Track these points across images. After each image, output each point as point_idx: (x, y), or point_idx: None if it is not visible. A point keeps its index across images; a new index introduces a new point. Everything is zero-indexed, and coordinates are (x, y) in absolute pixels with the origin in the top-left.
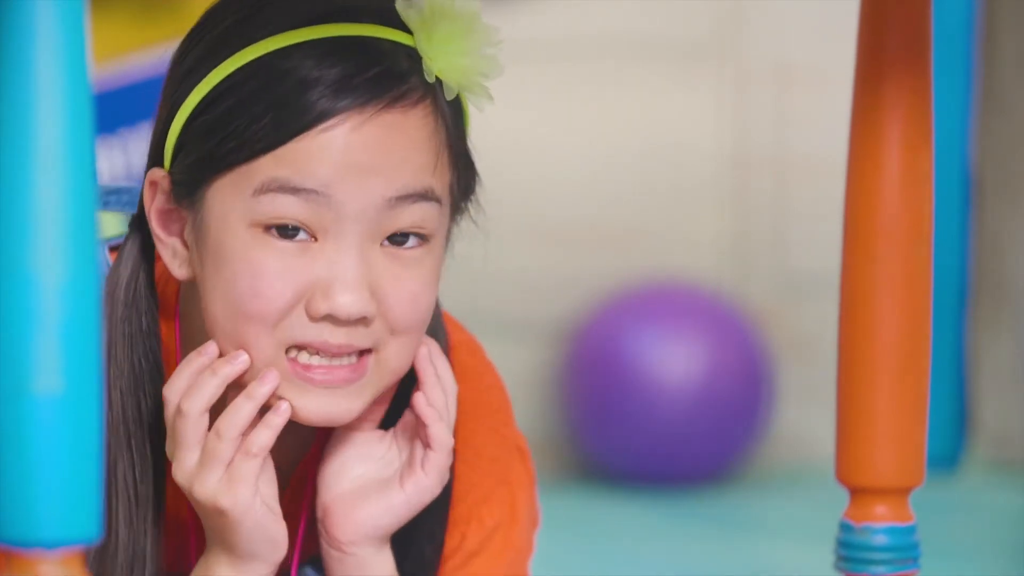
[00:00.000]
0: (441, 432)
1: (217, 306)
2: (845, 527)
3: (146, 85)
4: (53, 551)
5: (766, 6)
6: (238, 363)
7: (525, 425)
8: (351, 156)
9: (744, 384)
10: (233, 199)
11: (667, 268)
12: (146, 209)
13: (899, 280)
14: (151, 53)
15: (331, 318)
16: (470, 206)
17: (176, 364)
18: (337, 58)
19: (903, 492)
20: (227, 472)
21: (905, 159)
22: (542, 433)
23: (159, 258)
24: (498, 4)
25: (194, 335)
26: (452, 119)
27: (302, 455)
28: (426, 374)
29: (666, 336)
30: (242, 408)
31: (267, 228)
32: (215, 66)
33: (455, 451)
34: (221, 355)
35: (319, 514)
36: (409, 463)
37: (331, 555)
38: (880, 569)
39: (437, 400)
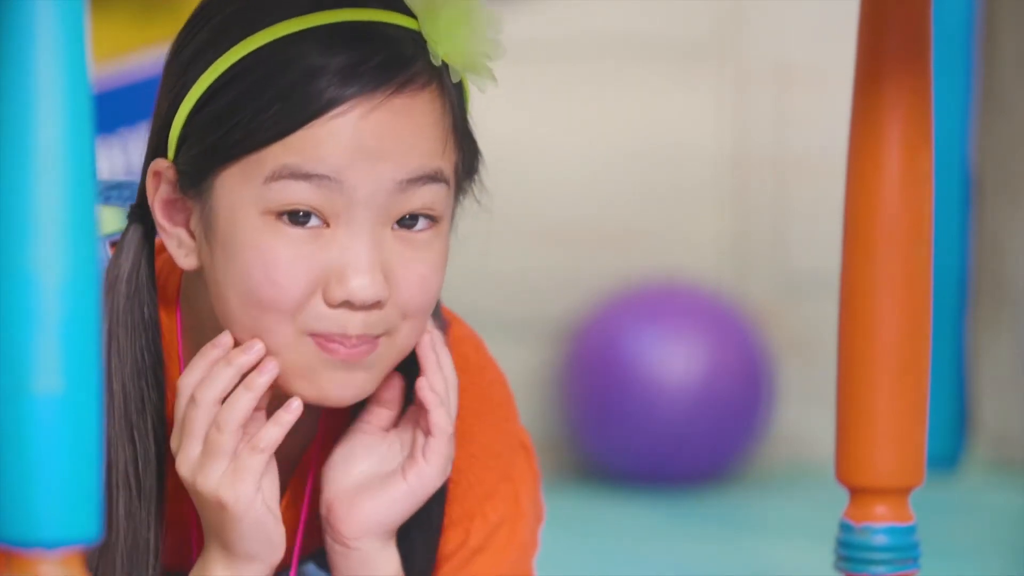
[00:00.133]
0: (441, 417)
1: (231, 296)
2: (845, 527)
3: (146, 85)
4: (53, 551)
5: (766, 6)
6: (253, 352)
7: (525, 425)
8: (361, 142)
9: (744, 384)
10: (242, 188)
11: (667, 268)
12: (149, 200)
13: (899, 280)
14: (151, 53)
15: (348, 304)
16: (473, 186)
17: (177, 355)
18: (343, 45)
19: (903, 492)
20: (231, 465)
21: (905, 159)
22: (542, 433)
23: (159, 249)
24: (498, 4)
25: (196, 325)
26: (457, 100)
27: (303, 451)
28: (428, 361)
29: (666, 336)
30: (241, 399)
31: (279, 215)
32: (219, 55)
33: (458, 447)
34: (237, 344)
35: (323, 511)
36: (411, 454)
37: (336, 550)
38: (880, 569)
39: (438, 386)
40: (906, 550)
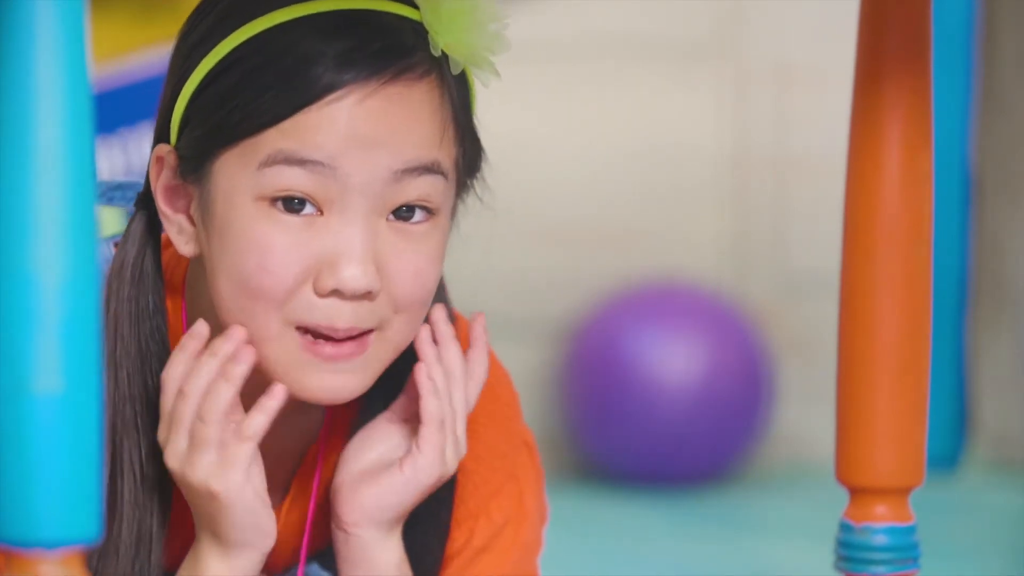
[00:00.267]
0: (431, 405)
1: (224, 282)
2: (845, 527)
3: (146, 85)
4: (53, 551)
5: (766, 6)
6: (234, 340)
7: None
8: (356, 128)
9: (744, 384)
10: (239, 173)
11: (667, 268)
12: (152, 185)
13: (899, 280)
14: (151, 53)
15: (338, 293)
16: (475, 183)
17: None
18: (342, 32)
19: (903, 492)
20: (219, 455)
21: (905, 159)
22: (542, 433)
23: (169, 242)
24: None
25: (200, 314)
26: (458, 94)
27: (307, 446)
28: (426, 355)
29: (666, 336)
30: (221, 390)
31: (273, 201)
32: (221, 39)
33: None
34: (221, 332)
35: (331, 493)
36: (410, 445)
37: (337, 535)
38: (880, 569)
39: (437, 376)
40: (906, 550)
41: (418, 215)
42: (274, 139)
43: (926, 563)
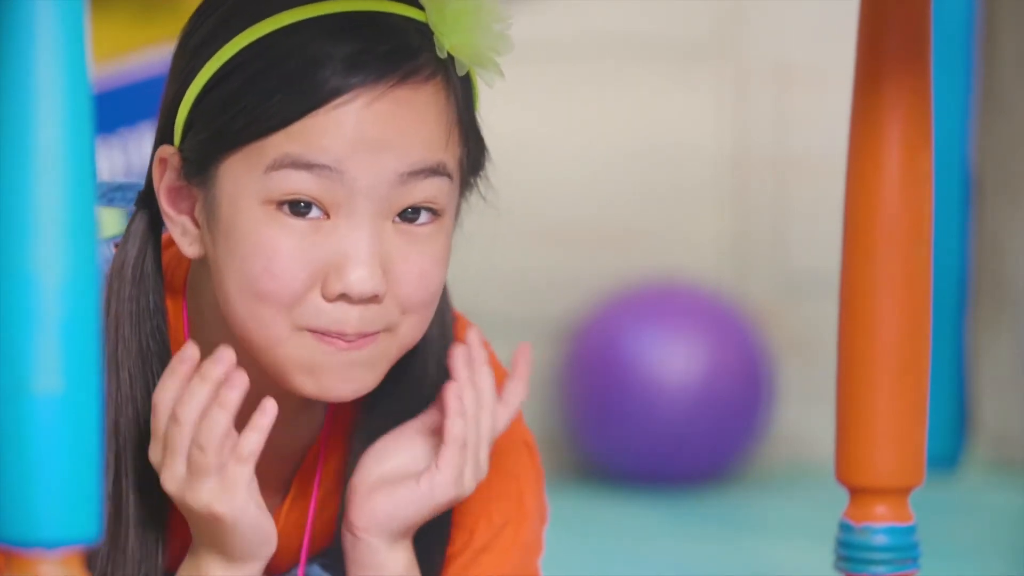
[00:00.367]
0: (456, 426)
1: (231, 286)
2: (845, 527)
3: (146, 85)
4: (53, 551)
5: (766, 6)
6: (224, 363)
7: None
8: (363, 132)
9: (744, 384)
10: (245, 176)
11: (667, 268)
12: (155, 187)
13: (899, 280)
14: (151, 53)
15: (345, 297)
16: (479, 181)
17: (183, 344)
18: (348, 34)
19: (903, 492)
20: (219, 479)
21: (905, 159)
22: (542, 433)
23: (169, 242)
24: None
25: (202, 314)
26: (463, 94)
27: (307, 448)
28: (460, 375)
29: (666, 336)
30: (217, 418)
31: (279, 205)
32: (226, 42)
33: None
34: (239, 333)
35: (346, 494)
36: (431, 460)
37: (346, 536)
38: (880, 569)
39: (466, 397)
40: (906, 550)
41: (423, 217)
42: (280, 143)
43: (926, 563)
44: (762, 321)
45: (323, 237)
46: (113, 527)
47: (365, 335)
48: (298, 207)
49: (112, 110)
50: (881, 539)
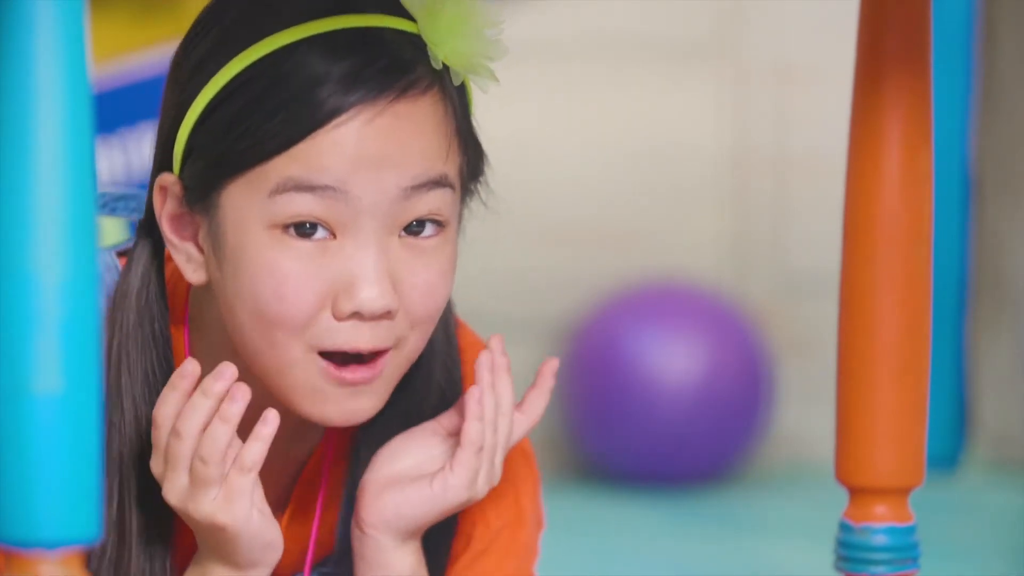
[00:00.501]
0: (474, 430)
1: (240, 312)
2: (845, 527)
3: (146, 85)
4: (53, 551)
5: (766, 6)
6: (226, 379)
7: None
8: (364, 150)
9: (744, 384)
10: (248, 201)
11: (667, 268)
12: (156, 214)
13: (899, 280)
14: (151, 53)
15: (357, 315)
16: (479, 187)
17: None
18: (344, 52)
19: (903, 492)
20: (223, 490)
21: (905, 159)
22: (542, 433)
23: (168, 261)
24: (498, 4)
25: (205, 340)
26: (459, 103)
27: (308, 455)
28: (483, 380)
29: (666, 336)
30: (219, 431)
31: (285, 228)
32: (220, 66)
33: None
34: (249, 359)
35: (358, 491)
36: (445, 462)
37: (355, 533)
38: (880, 569)
39: (487, 403)
40: (906, 550)
41: (428, 229)
42: (282, 166)
43: (926, 563)
44: (762, 321)
45: (331, 258)
46: (117, 551)
47: (379, 351)
48: (304, 228)
49: (112, 110)
50: (881, 539)
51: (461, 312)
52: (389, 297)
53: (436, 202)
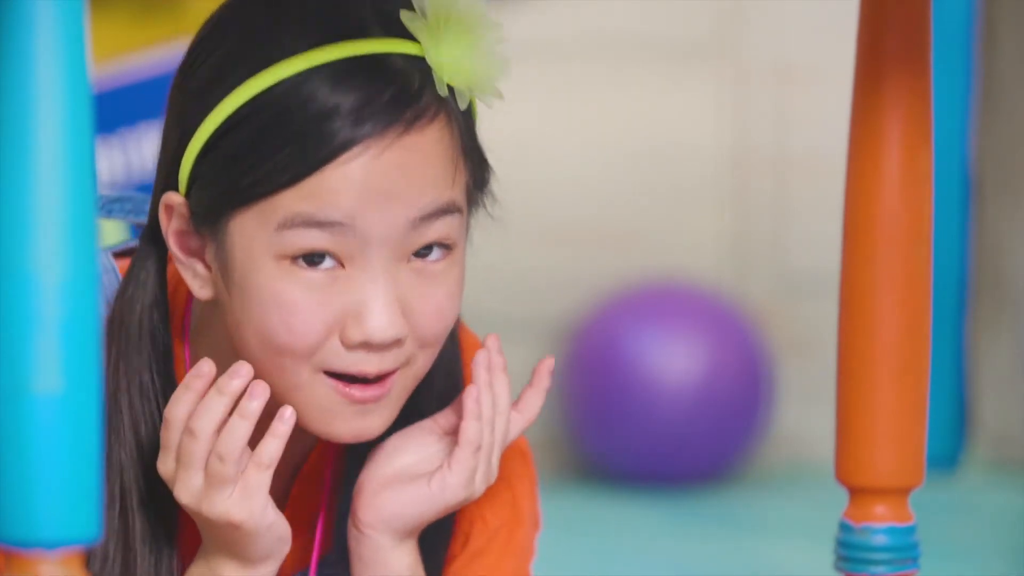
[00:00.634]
0: (472, 429)
1: (248, 335)
2: (845, 527)
3: (146, 85)
4: (53, 551)
5: (766, 6)
6: (242, 377)
7: None
8: (372, 184)
9: (744, 384)
10: (256, 232)
11: (667, 268)
12: (163, 230)
13: (899, 280)
14: (151, 53)
15: (366, 344)
16: (485, 197)
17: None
18: (352, 82)
19: (903, 492)
20: (239, 487)
21: (905, 159)
22: (542, 433)
23: (169, 262)
24: (498, 4)
25: (206, 348)
26: (465, 122)
27: (305, 456)
28: (480, 379)
29: (666, 336)
30: (238, 428)
31: (294, 259)
32: (225, 94)
33: None
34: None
35: (354, 490)
36: (443, 461)
37: (351, 532)
38: (880, 569)
39: (484, 402)
40: (906, 550)
41: (436, 253)
42: (291, 201)
43: (926, 563)
44: (762, 321)
45: (340, 287)
46: (123, 556)
47: (386, 373)
48: (312, 259)
49: (112, 110)
50: (881, 539)
51: (461, 312)
52: (399, 327)
53: (444, 229)
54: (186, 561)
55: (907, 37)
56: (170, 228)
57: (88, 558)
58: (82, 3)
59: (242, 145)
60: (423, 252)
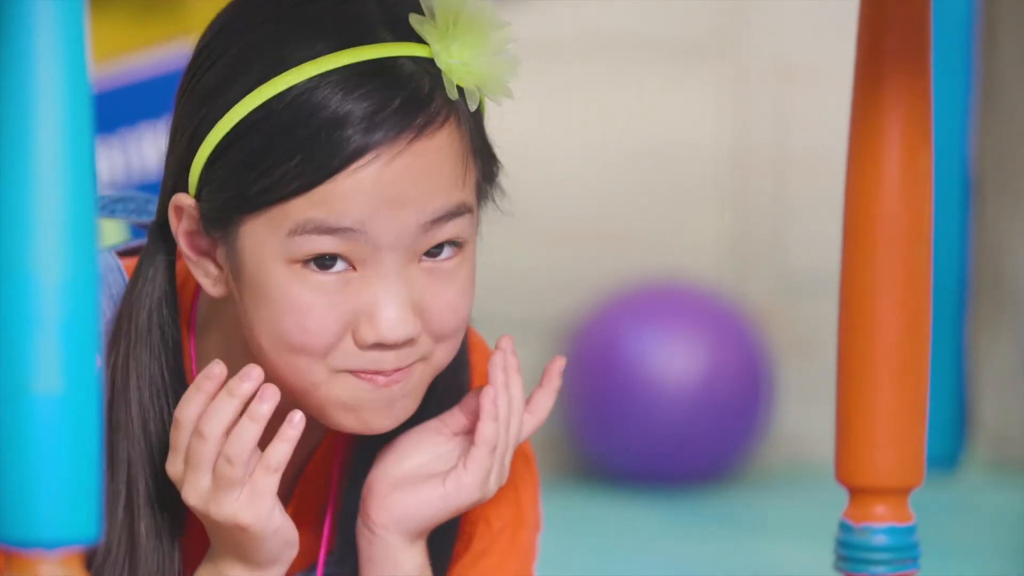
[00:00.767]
0: (489, 429)
1: (262, 338)
2: (845, 527)
3: (146, 85)
4: (53, 551)
5: (766, 6)
6: (253, 380)
7: None
8: (383, 191)
9: (744, 384)
10: (267, 237)
11: (667, 268)
12: (173, 230)
13: (899, 280)
14: (151, 53)
15: (380, 345)
16: (494, 191)
17: (191, 375)
18: (362, 89)
19: (903, 492)
20: (247, 490)
21: (905, 159)
22: (542, 433)
23: (178, 258)
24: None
25: (215, 344)
26: (474, 121)
27: (308, 458)
28: (496, 379)
29: (666, 336)
30: (248, 431)
31: (305, 263)
32: (235, 99)
33: None
34: (273, 377)
35: (364, 490)
36: (456, 461)
37: (362, 532)
38: (880, 569)
39: (501, 403)
40: (906, 550)
41: (447, 251)
42: (302, 208)
43: (926, 563)
44: (762, 321)
45: (352, 291)
46: (128, 554)
47: (401, 368)
48: (324, 261)
49: (112, 110)
50: (881, 539)
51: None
52: (410, 326)
53: (455, 230)
54: (192, 563)
55: (907, 37)
56: (180, 229)
57: (93, 555)
58: (82, 3)
59: (252, 152)
60: (434, 251)
